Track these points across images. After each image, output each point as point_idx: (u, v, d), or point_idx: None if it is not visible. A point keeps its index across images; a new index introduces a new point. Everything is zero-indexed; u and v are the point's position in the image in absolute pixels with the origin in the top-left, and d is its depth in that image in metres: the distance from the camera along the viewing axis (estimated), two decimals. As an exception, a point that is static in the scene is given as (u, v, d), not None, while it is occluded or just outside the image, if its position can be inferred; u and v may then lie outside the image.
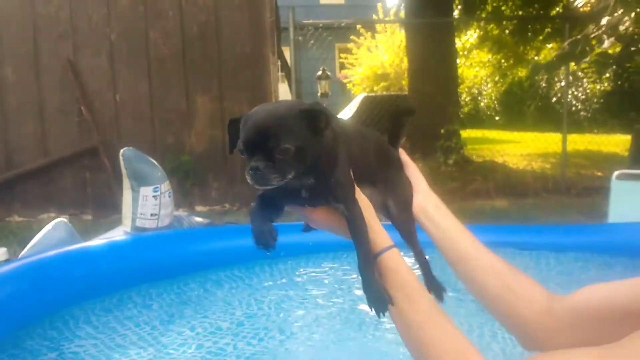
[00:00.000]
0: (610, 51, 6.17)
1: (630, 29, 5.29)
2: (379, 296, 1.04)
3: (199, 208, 6.65)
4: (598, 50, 5.41)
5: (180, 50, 6.55)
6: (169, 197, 3.70)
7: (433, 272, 1.38)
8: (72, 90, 6.41)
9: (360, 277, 1.07)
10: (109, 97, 6.55)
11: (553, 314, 1.19)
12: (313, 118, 0.98)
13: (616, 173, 4.80)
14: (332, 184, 1.05)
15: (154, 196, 3.64)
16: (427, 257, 1.38)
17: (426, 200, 1.34)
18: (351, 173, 1.12)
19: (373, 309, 1.06)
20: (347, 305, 2.94)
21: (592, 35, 5.38)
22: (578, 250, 3.55)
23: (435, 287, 1.35)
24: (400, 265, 1.09)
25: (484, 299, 1.30)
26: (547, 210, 6.35)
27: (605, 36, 5.27)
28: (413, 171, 1.37)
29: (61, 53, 6.41)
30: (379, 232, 1.12)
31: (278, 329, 2.84)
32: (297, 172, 0.99)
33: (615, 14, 5.05)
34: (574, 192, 7.33)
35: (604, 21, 5.25)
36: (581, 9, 6.85)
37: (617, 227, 3.84)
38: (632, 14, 4.94)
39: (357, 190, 1.12)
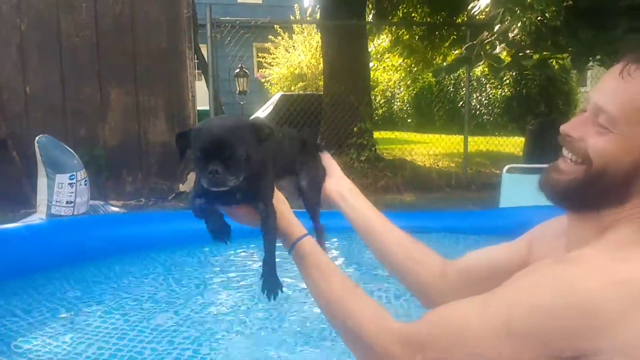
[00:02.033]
0: (505, 56, 6.74)
1: (518, 36, 5.83)
2: (274, 282, 1.21)
3: (113, 202, 6.60)
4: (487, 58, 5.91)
5: (94, 42, 6.47)
6: (85, 184, 3.73)
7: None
8: (-22, 80, 6.19)
9: (263, 265, 1.22)
10: (18, 89, 6.37)
11: (446, 276, 1.40)
12: (258, 130, 1.16)
13: (506, 167, 5.33)
14: (261, 186, 1.22)
15: (69, 184, 3.66)
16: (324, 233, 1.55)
17: (341, 185, 1.51)
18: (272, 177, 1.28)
19: (265, 292, 1.22)
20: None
21: (486, 41, 5.89)
22: (472, 232, 3.98)
23: None
24: (315, 249, 1.24)
25: (391, 268, 1.50)
26: (450, 203, 6.84)
27: (497, 42, 5.79)
28: (328, 160, 1.54)
29: (-33, 42, 6.17)
30: (295, 223, 1.26)
31: (198, 305, 3.01)
32: (245, 175, 1.14)
33: (505, 22, 5.56)
34: (473, 187, 7.92)
35: (496, 28, 5.76)
36: (477, 17, 7.40)
37: (505, 211, 4.31)
38: (519, 23, 5.46)
39: (275, 190, 1.27)
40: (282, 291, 1.23)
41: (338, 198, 1.50)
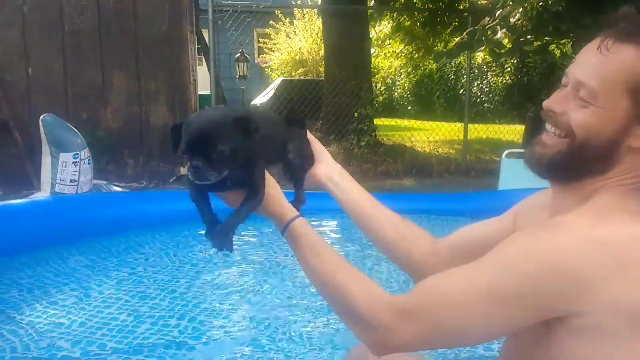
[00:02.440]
0: (506, 42, 6.75)
1: (520, 21, 5.84)
2: (226, 241, 1.23)
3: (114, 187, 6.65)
4: (489, 42, 5.92)
5: (96, 26, 6.48)
6: (89, 164, 3.77)
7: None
8: (-20, 62, 6.21)
9: (221, 227, 1.24)
10: (20, 71, 6.38)
11: (437, 253, 1.46)
12: (245, 124, 1.17)
13: (506, 152, 5.37)
14: (251, 174, 1.24)
15: (73, 162, 3.71)
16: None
17: (331, 169, 1.55)
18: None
19: (216, 246, 1.24)
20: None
21: (488, 26, 5.90)
22: (469, 214, 4.03)
23: None
24: (307, 229, 1.26)
25: (383, 247, 1.55)
26: (449, 188, 6.88)
27: (498, 27, 5.80)
28: (317, 146, 1.57)
29: (-31, 24, 6.19)
30: (286, 206, 1.29)
31: (198, 283, 3.07)
32: (231, 169, 1.16)
33: (507, 7, 5.57)
34: (473, 173, 7.96)
35: (498, 13, 5.77)
36: (479, 3, 7.40)
37: (501, 193, 4.36)
38: (521, 8, 5.46)
39: (267, 174, 1.29)
40: (231, 252, 1.26)
41: (329, 182, 1.54)
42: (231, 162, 1.16)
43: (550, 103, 1.13)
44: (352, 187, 1.55)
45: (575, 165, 1.10)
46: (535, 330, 1.03)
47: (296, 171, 1.49)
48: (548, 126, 1.15)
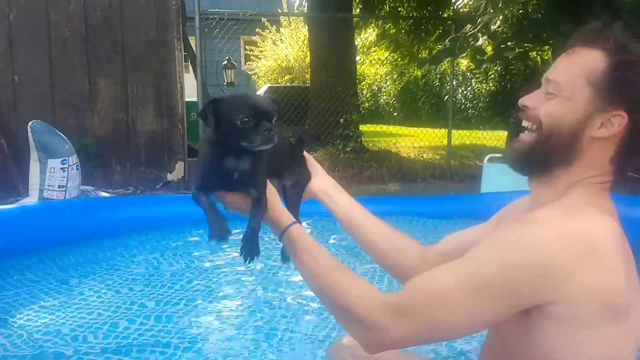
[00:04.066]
0: (490, 50, 6.88)
1: (500, 28, 5.97)
2: (253, 249, 1.34)
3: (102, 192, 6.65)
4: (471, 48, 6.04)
5: (83, 33, 6.51)
6: (77, 169, 3.81)
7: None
8: (-33, 69, 6.21)
9: (244, 239, 1.35)
10: (7, 78, 6.39)
11: (427, 260, 1.55)
12: (278, 104, 1.35)
13: (488, 157, 5.49)
14: (256, 174, 1.33)
15: (61, 168, 3.74)
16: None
17: (325, 182, 1.65)
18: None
19: (243, 255, 1.35)
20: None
21: (470, 34, 6.03)
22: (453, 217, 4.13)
23: None
24: (303, 234, 1.35)
25: (375, 255, 1.65)
26: (433, 192, 6.97)
27: (480, 34, 5.93)
28: (311, 162, 1.67)
29: (-45, 31, 6.19)
30: (284, 212, 1.38)
31: (187, 285, 3.12)
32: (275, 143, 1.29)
33: (488, 14, 5.69)
34: (457, 178, 8.08)
35: (479, 21, 5.90)
36: (462, 10, 7.54)
37: (484, 196, 4.46)
38: (501, 16, 5.59)
39: (268, 183, 1.39)
40: (258, 256, 1.36)
41: (323, 195, 1.64)
42: (277, 133, 1.29)
43: (524, 100, 1.26)
44: (345, 200, 1.64)
45: (544, 154, 1.21)
46: (515, 319, 1.11)
47: (292, 198, 1.57)
48: (524, 122, 1.26)
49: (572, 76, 1.17)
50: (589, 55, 1.17)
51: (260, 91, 11.45)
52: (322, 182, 1.65)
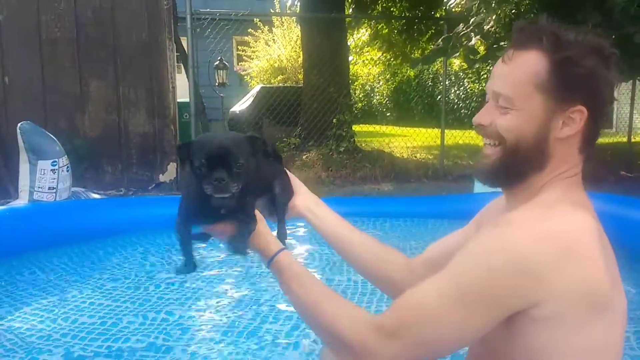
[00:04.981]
0: (482, 50, 6.88)
1: (493, 28, 5.98)
2: (242, 247, 1.32)
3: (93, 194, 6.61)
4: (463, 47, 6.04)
5: (74, 34, 6.47)
6: (67, 171, 3.77)
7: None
8: (-44, 70, 6.15)
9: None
10: (-4, 79, 6.35)
11: (413, 271, 1.53)
12: (254, 143, 1.29)
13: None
14: (247, 200, 1.32)
15: (52, 170, 3.71)
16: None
17: (308, 200, 1.62)
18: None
19: (234, 249, 1.32)
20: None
21: (462, 33, 6.03)
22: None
23: None
24: (291, 262, 1.33)
25: (362, 270, 1.63)
26: (426, 192, 6.97)
27: (472, 34, 5.93)
28: (294, 180, 1.64)
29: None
30: (271, 240, 1.35)
31: (178, 287, 3.10)
32: (244, 184, 1.25)
33: (481, 14, 5.70)
34: (450, 178, 8.08)
35: (472, 20, 5.91)
36: (454, 10, 7.55)
37: (477, 196, 4.45)
38: (494, 15, 5.60)
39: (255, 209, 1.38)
40: (247, 253, 1.34)
41: (306, 212, 1.60)
42: (246, 175, 1.25)
43: (478, 118, 1.23)
44: (329, 216, 1.62)
45: (515, 166, 1.19)
46: (499, 325, 1.08)
47: (280, 206, 1.56)
48: (484, 139, 1.24)
49: (519, 86, 1.15)
50: (527, 58, 1.15)
51: (253, 91, 11.41)
52: (304, 199, 1.62)
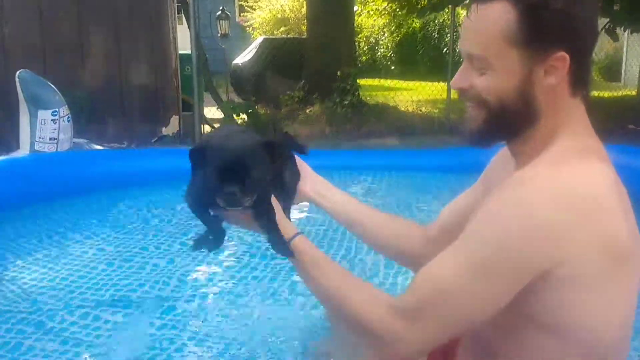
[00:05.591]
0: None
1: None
2: (283, 245, 1.26)
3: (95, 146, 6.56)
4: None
5: (74, -17, 6.31)
6: (68, 121, 3.73)
7: None
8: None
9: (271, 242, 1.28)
10: (-4, 29, 6.21)
11: (430, 240, 1.48)
12: (272, 150, 1.17)
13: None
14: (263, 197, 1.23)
15: (52, 120, 3.66)
16: None
17: (315, 183, 1.56)
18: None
19: (280, 251, 1.27)
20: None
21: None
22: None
23: None
24: (308, 246, 1.27)
25: (378, 247, 1.60)
26: (432, 147, 6.92)
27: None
28: (300, 163, 1.55)
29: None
30: (287, 225, 1.30)
31: (180, 241, 3.09)
32: (259, 194, 1.17)
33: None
34: (455, 132, 7.99)
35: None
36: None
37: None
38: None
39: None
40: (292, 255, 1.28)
41: (315, 195, 1.55)
42: (262, 186, 1.17)
43: (456, 83, 1.16)
44: (339, 197, 1.57)
45: (505, 125, 1.13)
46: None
47: (289, 192, 1.49)
48: (466, 103, 1.17)
49: (489, 43, 1.06)
50: (492, 11, 1.05)
51: (256, 43, 11.19)
52: (311, 181, 1.56)
